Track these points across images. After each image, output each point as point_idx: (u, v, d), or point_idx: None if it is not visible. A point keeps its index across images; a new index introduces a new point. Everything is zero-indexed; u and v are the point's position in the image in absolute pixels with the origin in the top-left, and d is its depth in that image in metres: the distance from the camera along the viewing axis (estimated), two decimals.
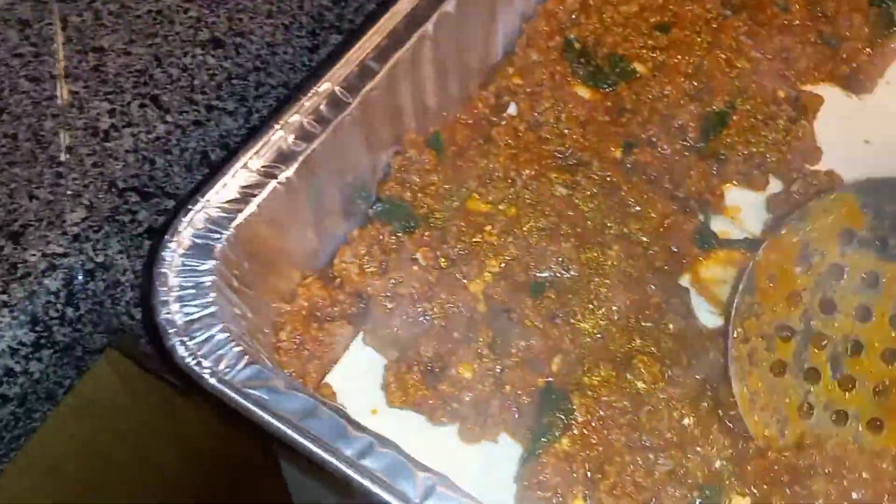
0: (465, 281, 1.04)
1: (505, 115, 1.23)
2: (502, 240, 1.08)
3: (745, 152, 1.20)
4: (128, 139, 1.17)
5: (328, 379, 0.97)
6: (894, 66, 1.40)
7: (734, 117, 1.22)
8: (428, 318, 0.99)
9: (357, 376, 0.97)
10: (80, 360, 1.07)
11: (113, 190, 1.11)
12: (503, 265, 1.06)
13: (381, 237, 1.04)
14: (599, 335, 1.01)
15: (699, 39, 1.31)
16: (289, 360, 0.95)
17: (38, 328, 1.01)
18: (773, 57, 1.33)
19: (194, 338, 0.78)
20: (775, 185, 1.20)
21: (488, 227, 1.09)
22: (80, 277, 1.04)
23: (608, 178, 1.15)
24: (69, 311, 1.04)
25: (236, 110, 1.23)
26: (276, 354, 0.94)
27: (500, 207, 1.12)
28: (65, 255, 1.04)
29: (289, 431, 0.73)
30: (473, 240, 1.07)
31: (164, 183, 1.14)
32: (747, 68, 1.29)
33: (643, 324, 1.02)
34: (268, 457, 1.13)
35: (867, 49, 1.36)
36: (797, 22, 1.34)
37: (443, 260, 1.05)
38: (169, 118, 1.21)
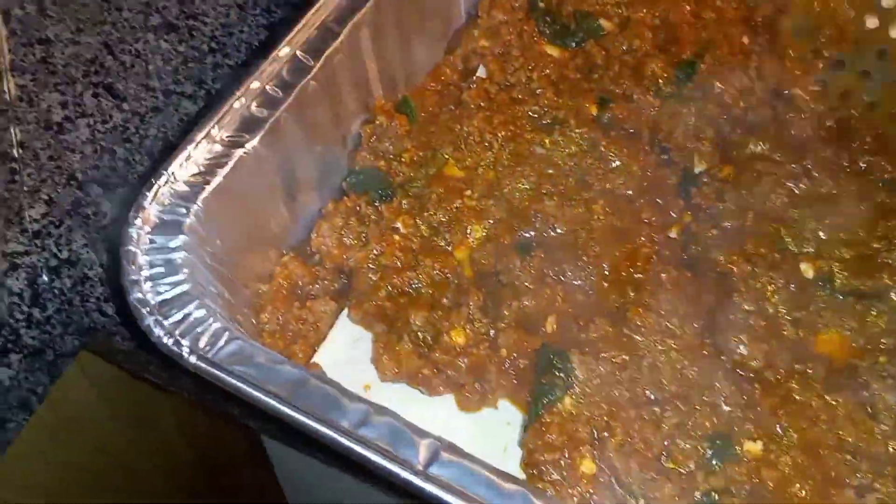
0: (449, 247, 1.01)
1: (475, 78, 1.19)
2: (483, 203, 1.04)
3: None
4: (83, 130, 1.11)
5: (316, 358, 0.92)
6: None
7: (703, 66, 1.19)
8: (414, 286, 0.95)
9: (346, 353, 0.93)
10: (52, 364, 1.01)
11: (72, 183, 1.05)
12: (487, 229, 1.03)
13: (357, 208, 0.99)
14: (592, 291, 0.98)
15: None
16: (273, 341, 0.90)
17: (3, 332, 0.95)
18: (737, 6, 1.32)
19: (170, 317, 0.73)
20: None
21: (468, 192, 1.05)
22: (45, 276, 0.98)
23: (586, 135, 1.12)
24: (36, 312, 0.98)
25: (195, 94, 1.18)
26: (258, 337, 0.89)
27: (479, 171, 1.08)
28: (26, 253, 0.98)
29: (280, 406, 0.68)
30: (454, 205, 1.03)
31: (126, 172, 1.08)
32: (713, 18, 1.27)
33: (636, 276, 0.99)
34: (255, 452, 1.08)
35: None
36: None
37: (424, 227, 1.01)
38: (126, 106, 1.15)
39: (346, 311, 0.95)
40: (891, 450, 0.90)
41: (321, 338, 0.93)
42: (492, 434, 0.89)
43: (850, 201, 1.08)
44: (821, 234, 1.05)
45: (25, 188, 1.05)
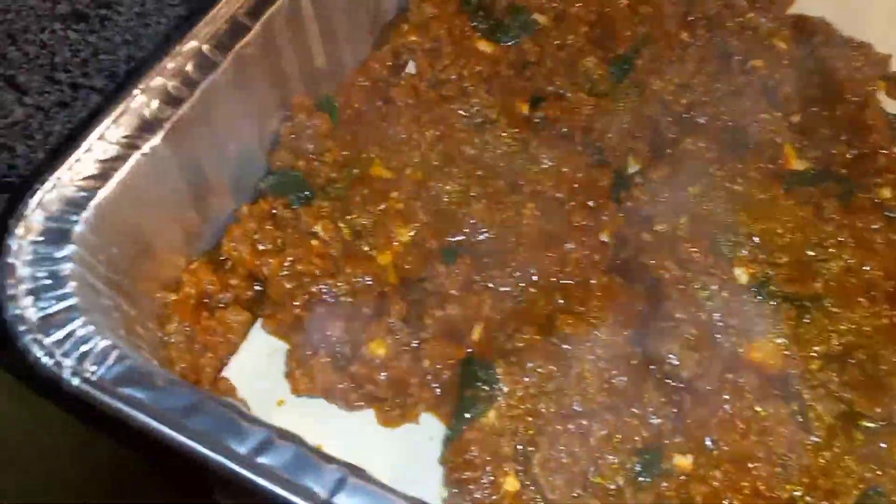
0: (373, 252, 0.96)
1: (404, 74, 1.14)
2: (410, 206, 1.00)
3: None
4: None
5: (225, 372, 0.87)
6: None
7: (639, 62, 1.16)
8: (333, 295, 0.90)
9: (258, 366, 0.88)
10: None
11: None
12: (413, 233, 0.98)
13: (274, 211, 0.94)
14: (520, 297, 0.94)
15: None
16: (178, 355, 0.84)
17: None
18: (675, 1, 1.29)
19: (51, 335, 0.66)
20: None
21: (394, 194, 1.00)
22: None
23: (517, 135, 1.08)
24: None
25: (105, 87, 1.11)
26: (163, 350, 0.83)
27: (406, 172, 1.04)
28: None
29: (169, 431, 0.63)
30: (379, 208, 0.99)
31: (27, 171, 1.01)
32: (650, 13, 1.24)
33: (565, 282, 0.96)
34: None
35: None
36: None
37: (346, 231, 0.96)
38: (28, 100, 1.08)
39: (259, 321, 0.89)
40: (821, 461, 0.88)
41: (232, 350, 0.87)
42: (413, 450, 0.85)
43: (787, 205, 1.06)
44: (755, 238, 1.03)
45: None
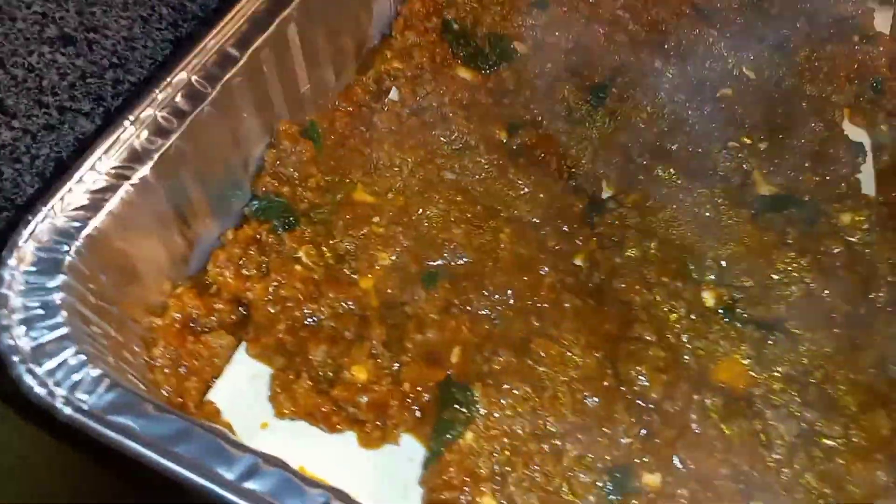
0: (354, 276, 0.99)
1: (386, 100, 1.17)
2: (391, 231, 1.03)
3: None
4: None
5: (210, 395, 0.89)
6: None
7: (614, 90, 1.21)
8: (316, 319, 0.93)
9: (242, 390, 0.90)
10: None
11: None
12: (394, 257, 1.01)
13: (258, 237, 0.97)
14: (497, 321, 0.98)
15: (577, 15, 1.30)
16: (164, 378, 0.87)
17: None
18: (650, 29, 1.33)
19: (44, 364, 0.69)
20: None
21: (376, 219, 1.03)
22: None
23: (495, 162, 1.12)
24: None
25: (93, 111, 1.13)
26: (149, 374, 0.86)
27: (388, 197, 1.07)
28: None
29: (160, 459, 0.65)
30: (361, 233, 1.02)
31: (13, 194, 1.02)
32: (626, 41, 1.29)
33: (540, 305, 0.99)
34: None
35: (738, 19, 1.39)
36: None
37: (329, 256, 0.99)
38: (16, 123, 1.09)
39: (243, 345, 0.92)
40: (783, 478, 0.92)
41: (216, 373, 0.90)
42: (393, 471, 0.88)
43: (753, 230, 1.11)
44: (722, 262, 1.07)
45: None
